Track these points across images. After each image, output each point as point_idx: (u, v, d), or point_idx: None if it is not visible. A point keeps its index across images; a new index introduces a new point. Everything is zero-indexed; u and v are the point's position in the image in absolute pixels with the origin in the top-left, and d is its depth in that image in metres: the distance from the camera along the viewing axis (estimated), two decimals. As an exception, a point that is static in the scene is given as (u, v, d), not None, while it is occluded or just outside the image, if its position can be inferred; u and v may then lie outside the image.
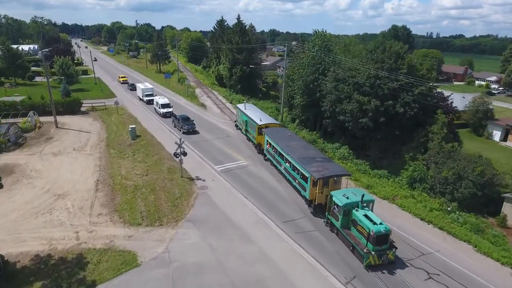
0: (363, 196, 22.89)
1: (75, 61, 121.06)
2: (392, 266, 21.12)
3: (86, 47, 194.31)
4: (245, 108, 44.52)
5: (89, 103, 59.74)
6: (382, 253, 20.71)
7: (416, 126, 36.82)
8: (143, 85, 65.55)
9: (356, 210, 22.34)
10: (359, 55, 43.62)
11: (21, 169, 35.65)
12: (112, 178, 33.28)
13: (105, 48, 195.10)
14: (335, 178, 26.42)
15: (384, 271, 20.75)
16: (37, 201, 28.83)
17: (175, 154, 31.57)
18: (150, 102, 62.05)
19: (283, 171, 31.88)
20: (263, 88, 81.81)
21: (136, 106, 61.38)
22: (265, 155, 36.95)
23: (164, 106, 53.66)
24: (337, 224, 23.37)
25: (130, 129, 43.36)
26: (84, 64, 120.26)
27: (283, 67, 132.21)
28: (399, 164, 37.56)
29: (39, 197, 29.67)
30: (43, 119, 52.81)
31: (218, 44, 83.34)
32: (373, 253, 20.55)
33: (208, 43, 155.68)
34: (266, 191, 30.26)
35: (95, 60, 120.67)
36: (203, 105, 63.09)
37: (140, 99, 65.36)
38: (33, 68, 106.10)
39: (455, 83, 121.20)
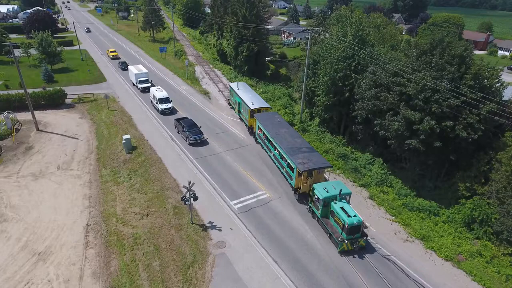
0: (341, 190, 25.17)
1: (61, 26, 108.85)
2: (362, 251, 24.06)
3: (69, 1, 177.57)
4: (238, 88, 44.36)
5: (75, 93, 51.44)
6: (354, 240, 23.81)
7: (476, 149, 30.02)
8: (137, 68, 56.62)
9: (335, 203, 24.92)
10: (400, 48, 35.53)
11: (-7, 203, 29.15)
12: (105, 221, 26.99)
13: (92, 6, 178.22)
14: (318, 170, 28.16)
15: (355, 255, 23.74)
16: (12, 267, 22.74)
17: (184, 200, 24.99)
18: (145, 90, 53.92)
19: (272, 157, 33.94)
20: (272, 66, 72.91)
21: (129, 96, 53.24)
22: (256, 139, 38.90)
23: (162, 101, 45.71)
24: (318, 213, 26.17)
25: (124, 140, 36.13)
26: (68, 30, 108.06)
27: (289, 32, 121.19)
28: (450, 192, 31.37)
29: (14, 257, 23.52)
30: (22, 116, 45.20)
31: (219, 13, 72.76)
32: (346, 241, 23.61)
33: (209, 10, 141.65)
34: (301, 251, 24.06)
35: (88, 31, 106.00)
36: (206, 93, 55.08)
37: (134, 84, 56.94)
38: (13, 37, 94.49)
39: (476, 52, 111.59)
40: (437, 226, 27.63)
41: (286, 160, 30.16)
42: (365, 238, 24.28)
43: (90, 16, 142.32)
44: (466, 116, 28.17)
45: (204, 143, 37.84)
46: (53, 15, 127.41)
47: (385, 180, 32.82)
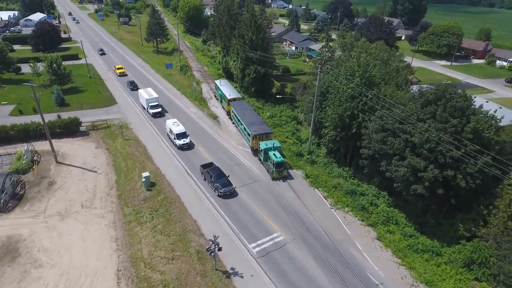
0: (273, 144, 42.20)
1: (63, 34, 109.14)
2: (284, 179, 40.87)
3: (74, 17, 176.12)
4: (220, 84, 60.88)
5: (88, 120, 53.08)
6: (279, 171, 40.46)
7: (475, 194, 32.32)
8: (147, 93, 58.19)
9: (270, 151, 41.22)
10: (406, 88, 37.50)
11: (26, 246, 31.22)
12: (134, 266, 29.17)
13: (92, 8, 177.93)
14: (265, 134, 44.99)
15: (280, 180, 40.43)
16: (54, 317, 24.93)
17: (210, 251, 27.10)
18: (156, 115, 55.69)
19: (240, 130, 50.85)
20: (277, 83, 74.62)
21: (141, 122, 54.93)
22: (231, 119, 55.27)
23: (180, 136, 46.37)
24: (262, 159, 43.15)
25: (144, 178, 38.06)
26: (71, 39, 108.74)
27: (290, 41, 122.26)
28: (451, 231, 33.69)
29: (55, 307, 25.71)
30: (39, 145, 46.99)
31: (225, 32, 74.16)
32: (274, 171, 40.20)
33: (208, 11, 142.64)
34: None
35: (103, 53, 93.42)
36: (215, 118, 56.97)
37: (144, 108, 58.58)
38: (17, 47, 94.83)
39: (474, 61, 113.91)
40: (440, 268, 30.08)
41: (246, 130, 46.50)
42: (286, 170, 41.31)
43: (92, 22, 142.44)
44: (465, 166, 30.42)
45: (234, 193, 37.88)
46: (54, 21, 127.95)
47: (391, 218, 35.14)
